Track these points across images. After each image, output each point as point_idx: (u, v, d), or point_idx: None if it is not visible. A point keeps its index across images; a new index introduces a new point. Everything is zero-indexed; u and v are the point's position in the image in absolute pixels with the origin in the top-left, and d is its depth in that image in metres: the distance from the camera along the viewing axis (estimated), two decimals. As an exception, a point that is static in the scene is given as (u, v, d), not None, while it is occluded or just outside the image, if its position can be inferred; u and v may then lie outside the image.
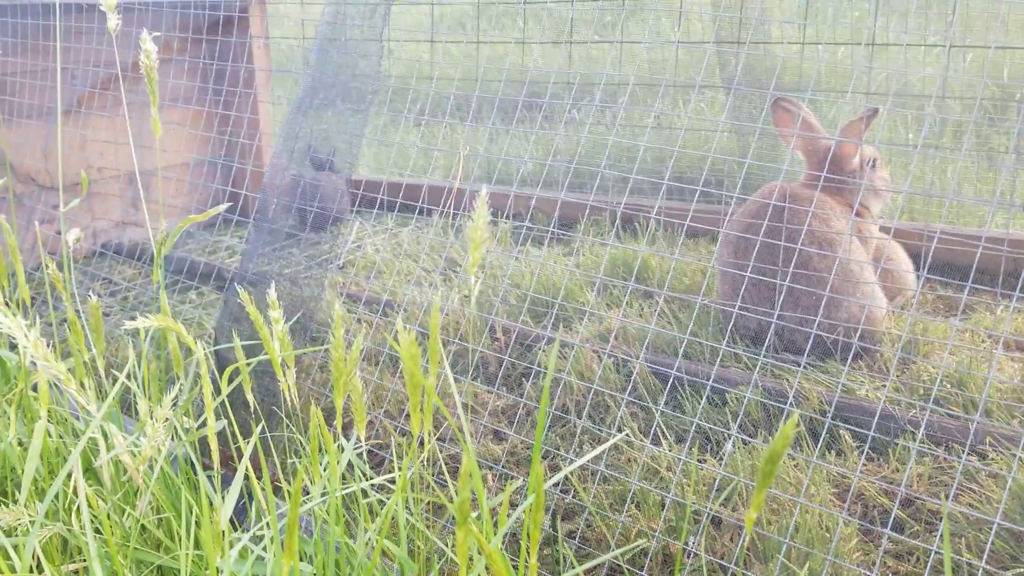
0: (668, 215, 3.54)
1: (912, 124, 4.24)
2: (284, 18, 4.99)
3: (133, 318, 3.00)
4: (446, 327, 2.86)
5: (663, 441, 2.25)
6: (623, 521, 1.93)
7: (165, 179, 3.93)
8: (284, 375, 1.25)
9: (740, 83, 3.18)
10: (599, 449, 1.22)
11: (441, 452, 2.29)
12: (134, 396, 2.10)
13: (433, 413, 2.46)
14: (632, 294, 3.10)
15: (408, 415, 2.41)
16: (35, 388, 1.83)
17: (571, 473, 2.17)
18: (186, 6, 2.84)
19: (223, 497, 1.23)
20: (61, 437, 1.62)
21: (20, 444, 1.64)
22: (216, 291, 3.45)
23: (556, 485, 2.16)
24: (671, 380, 2.34)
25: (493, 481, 2.23)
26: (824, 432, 2.02)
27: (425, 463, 2.16)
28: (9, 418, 1.58)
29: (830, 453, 2.22)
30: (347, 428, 2.39)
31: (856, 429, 2.17)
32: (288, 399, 1.24)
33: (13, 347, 2.36)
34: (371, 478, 1.32)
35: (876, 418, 2.09)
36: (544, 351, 2.67)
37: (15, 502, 1.36)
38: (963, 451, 2.14)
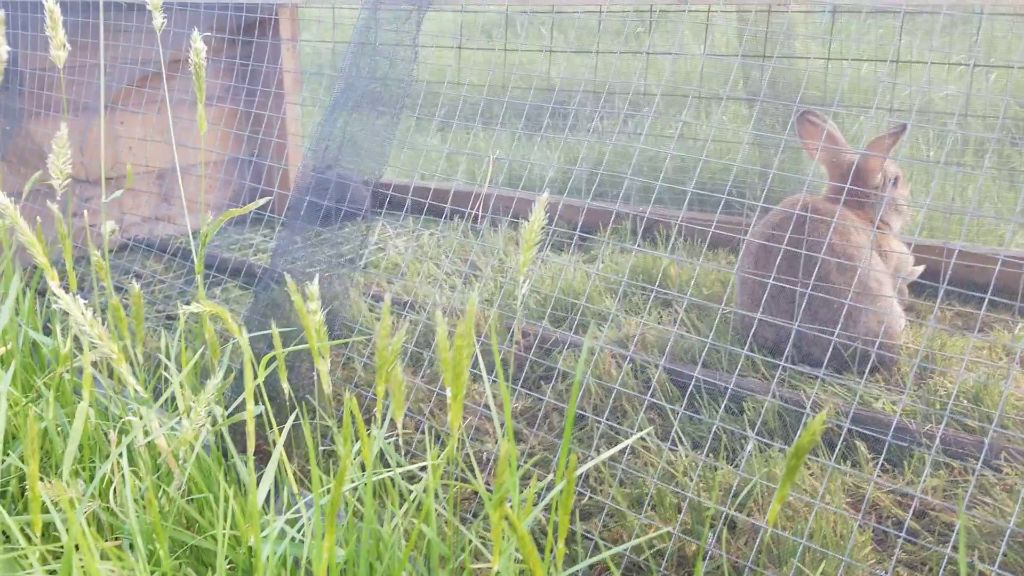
0: (689, 226, 3.57)
1: (934, 141, 4.26)
2: (313, 21, 5.06)
3: (161, 311, 3.05)
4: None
5: (680, 447, 2.29)
6: (640, 519, 1.97)
7: (197, 176, 3.99)
8: (320, 364, 1.30)
9: (764, 96, 3.21)
10: (620, 446, 1.25)
11: (466, 446, 2.33)
12: (163, 384, 2.15)
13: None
14: (651, 302, 3.13)
15: (429, 413, 2.46)
16: (70, 372, 1.88)
17: (589, 474, 2.21)
18: (223, 7, 2.91)
19: (257, 480, 1.27)
20: (96, 420, 1.66)
21: (56, 426, 1.69)
22: (241, 287, 3.51)
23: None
24: (689, 387, 2.37)
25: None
26: (840, 442, 2.05)
27: (453, 451, 2.20)
28: (48, 401, 1.63)
29: (845, 463, 2.24)
30: (369, 424, 2.44)
31: (873, 435, 2.19)
32: (324, 387, 1.28)
33: (46, 333, 2.41)
34: (402, 466, 1.36)
35: (891, 430, 2.11)
36: (563, 354, 2.71)
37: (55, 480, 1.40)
38: (978, 464, 2.16)
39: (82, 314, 1.15)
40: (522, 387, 2.67)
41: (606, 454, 1.32)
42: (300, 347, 1.42)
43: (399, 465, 1.41)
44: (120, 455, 1.26)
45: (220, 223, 1.64)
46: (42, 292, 2.89)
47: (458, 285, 3.37)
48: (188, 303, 3.36)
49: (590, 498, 2.12)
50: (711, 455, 2.28)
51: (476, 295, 1.23)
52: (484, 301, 3.20)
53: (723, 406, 2.43)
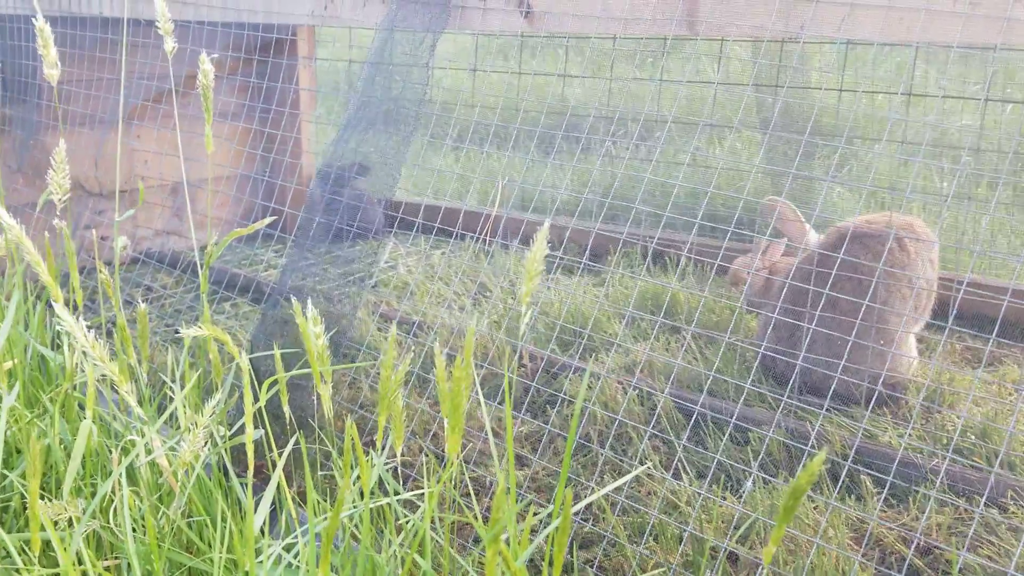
0: (699, 252, 3.57)
1: (947, 173, 4.24)
2: (329, 41, 5.09)
3: (170, 325, 3.07)
4: (474, 351, 2.90)
5: (684, 476, 2.28)
6: (641, 552, 1.96)
7: (207, 191, 4.02)
8: (321, 388, 1.30)
9: (777, 126, 3.22)
10: (622, 480, 1.25)
11: (464, 473, 2.33)
12: (168, 401, 2.16)
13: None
14: (659, 328, 3.13)
15: (433, 435, 2.46)
16: (75, 388, 1.89)
17: (591, 502, 2.20)
18: (240, 27, 2.93)
19: (256, 504, 1.28)
20: (100, 437, 1.67)
21: (60, 442, 1.70)
22: (251, 304, 3.52)
23: (576, 513, 2.19)
24: (694, 416, 2.36)
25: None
26: (844, 475, 2.03)
27: (450, 482, 2.20)
28: (52, 416, 1.64)
29: (850, 497, 2.23)
30: (372, 446, 2.43)
31: (877, 475, 2.18)
32: (326, 412, 1.28)
33: (55, 347, 2.43)
34: (400, 494, 1.36)
35: (895, 464, 2.10)
36: (570, 379, 2.71)
37: (57, 498, 1.41)
38: (983, 502, 2.14)
39: (84, 335, 1.16)
40: (527, 411, 2.67)
41: (608, 488, 1.32)
42: (304, 371, 1.43)
43: (396, 493, 1.41)
44: (121, 475, 1.27)
45: (225, 243, 1.65)
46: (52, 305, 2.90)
47: (467, 306, 3.37)
48: (197, 319, 3.38)
49: (592, 527, 2.11)
50: (714, 486, 2.27)
51: (475, 322, 1.23)
52: (492, 323, 3.20)
53: (727, 435, 2.43)
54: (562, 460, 2.42)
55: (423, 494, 1.95)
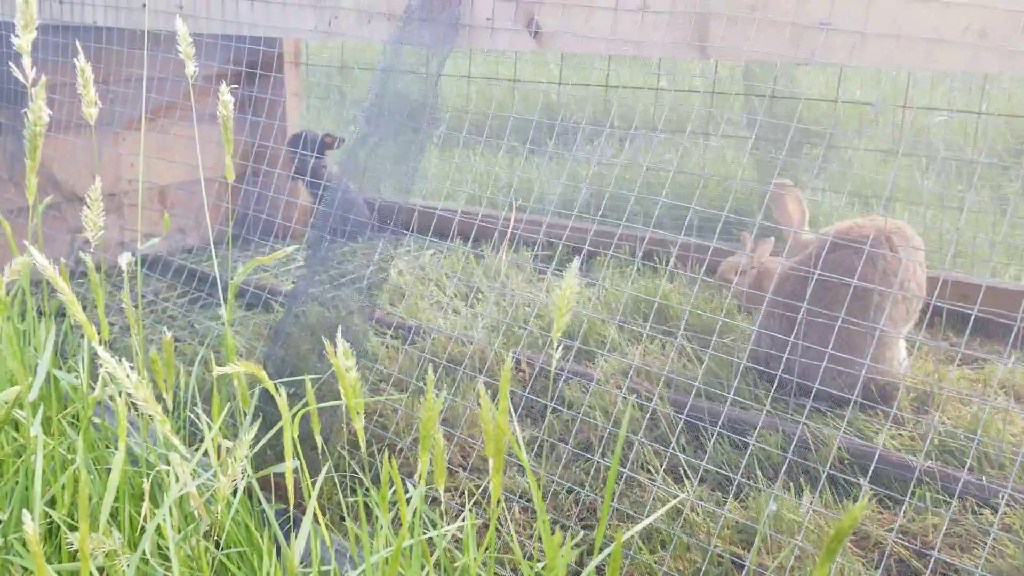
0: (688, 252, 3.61)
1: (928, 171, 4.32)
2: (322, 54, 5.08)
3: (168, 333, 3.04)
4: (472, 356, 2.93)
5: (685, 480, 2.33)
6: (648, 561, 2.00)
7: (192, 194, 4.01)
8: (356, 423, 1.33)
9: (764, 128, 3.26)
10: (655, 515, 1.29)
11: (470, 482, 2.36)
12: (184, 420, 2.17)
13: (463, 444, 2.54)
14: (653, 329, 3.17)
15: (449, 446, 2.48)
16: (95, 412, 1.89)
17: (596, 508, 2.24)
18: (240, 40, 2.93)
19: (293, 534, 1.30)
20: (126, 466, 1.68)
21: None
22: (238, 308, 3.50)
23: (581, 520, 2.24)
24: (696, 423, 2.40)
25: (520, 514, 2.30)
26: (863, 494, 2.09)
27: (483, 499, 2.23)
28: (76, 447, 1.65)
29: (847, 499, 2.28)
30: (381, 454, 2.46)
31: (879, 490, 2.24)
32: (361, 446, 1.31)
33: (62, 361, 2.42)
34: (436, 524, 1.39)
35: (915, 474, 2.16)
36: (568, 385, 2.74)
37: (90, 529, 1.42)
38: (976, 503, 2.21)
39: (127, 376, 1.17)
40: (526, 417, 2.70)
41: (644, 522, 1.36)
42: (335, 403, 1.45)
43: (433, 524, 1.44)
44: (166, 512, 1.29)
45: (248, 269, 1.66)
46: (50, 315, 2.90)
47: (461, 309, 3.39)
48: (191, 324, 3.37)
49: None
50: (716, 490, 2.32)
51: (483, 335, 1.26)
52: (487, 328, 3.22)
53: (727, 439, 2.48)
54: (564, 464, 2.46)
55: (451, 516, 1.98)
